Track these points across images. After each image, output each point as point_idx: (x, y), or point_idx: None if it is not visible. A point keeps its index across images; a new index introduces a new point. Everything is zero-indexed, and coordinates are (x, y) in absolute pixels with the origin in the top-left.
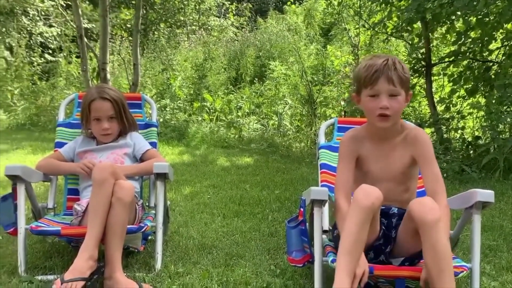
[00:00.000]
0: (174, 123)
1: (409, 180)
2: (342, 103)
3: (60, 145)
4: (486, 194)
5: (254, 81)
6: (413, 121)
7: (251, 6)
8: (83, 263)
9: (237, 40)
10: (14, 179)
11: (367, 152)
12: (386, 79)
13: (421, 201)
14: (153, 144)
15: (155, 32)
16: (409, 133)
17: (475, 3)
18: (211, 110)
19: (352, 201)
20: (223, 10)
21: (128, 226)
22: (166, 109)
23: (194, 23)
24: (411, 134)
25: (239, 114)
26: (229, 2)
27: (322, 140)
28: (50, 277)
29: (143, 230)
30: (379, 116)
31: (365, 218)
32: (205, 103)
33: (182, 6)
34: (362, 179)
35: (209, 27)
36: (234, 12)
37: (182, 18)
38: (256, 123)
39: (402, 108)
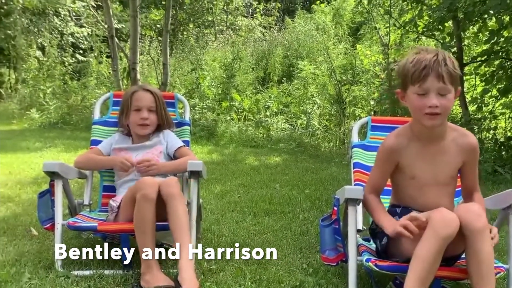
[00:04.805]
0: (203, 123)
1: (454, 181)
2: (372, 102)
3: (95, 142)
4: None
5: (282, 80)
6: None
7: (279, 5)
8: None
9: (265, 40)
10: (52, 175)
11: (411, 157)
12: (436, 76)
13: (468, 208)
14: (186, 143)
15: (184, 32)
16: (459, 136)
17: (508, 1)
18: (240, 110)
19: (430, 227)
20: (250, 10)
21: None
22: (195, 108)
23: (222, 23)
24: (464, 140)
25: (267, 113)
26: (256, 2)
27: (355, 139)
28: (86, 272)
29: None
30: (428, 114)
31: (442, 247)
32: (234, 103)
33: (211, 6)
34: (409, 186)
35: (237, 27)
36: (261, 12)
37: (210, 18)
38: (284, 122)
39: (451, 106)
